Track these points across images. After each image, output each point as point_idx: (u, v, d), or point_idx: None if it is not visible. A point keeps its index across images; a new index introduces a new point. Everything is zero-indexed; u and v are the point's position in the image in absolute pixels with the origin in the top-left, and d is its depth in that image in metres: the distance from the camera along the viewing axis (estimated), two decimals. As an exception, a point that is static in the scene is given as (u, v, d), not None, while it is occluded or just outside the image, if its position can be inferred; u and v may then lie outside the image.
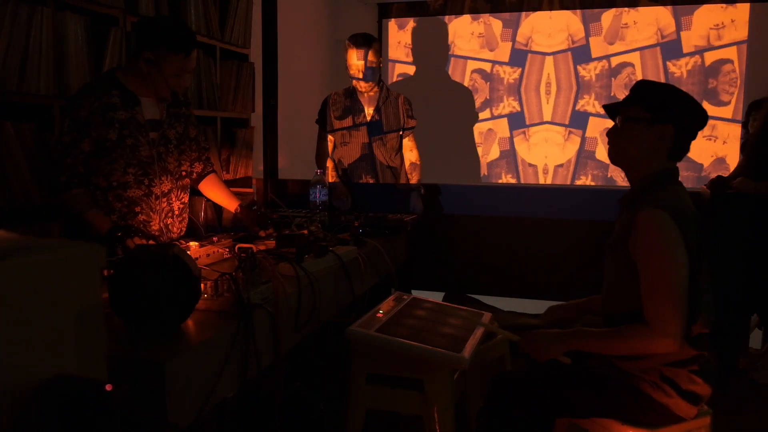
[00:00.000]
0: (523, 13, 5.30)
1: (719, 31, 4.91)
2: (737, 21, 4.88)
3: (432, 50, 5.58)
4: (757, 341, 3.32)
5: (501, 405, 1.72)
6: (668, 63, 5.03)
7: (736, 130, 4.91)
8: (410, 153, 3.45)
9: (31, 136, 2.26)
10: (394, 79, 5.66)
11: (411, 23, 5.59)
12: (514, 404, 1.70)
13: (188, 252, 1.73)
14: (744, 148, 3.68)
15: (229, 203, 2.45)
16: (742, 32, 4.88)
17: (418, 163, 3.46)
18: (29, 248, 0.70)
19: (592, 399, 1.65)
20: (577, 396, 1.66)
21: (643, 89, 1.68)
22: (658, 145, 1.64)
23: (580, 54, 5.21)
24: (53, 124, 2.35)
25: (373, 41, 3.27)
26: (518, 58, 5.36)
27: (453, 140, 5.49)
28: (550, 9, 5.24)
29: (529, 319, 2.07)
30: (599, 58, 5.17)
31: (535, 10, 5.27)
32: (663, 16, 5.02)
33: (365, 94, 3.35)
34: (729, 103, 4.98)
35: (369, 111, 3.35)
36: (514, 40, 5.36)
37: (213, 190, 2.46)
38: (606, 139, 1.77)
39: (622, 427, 1.63)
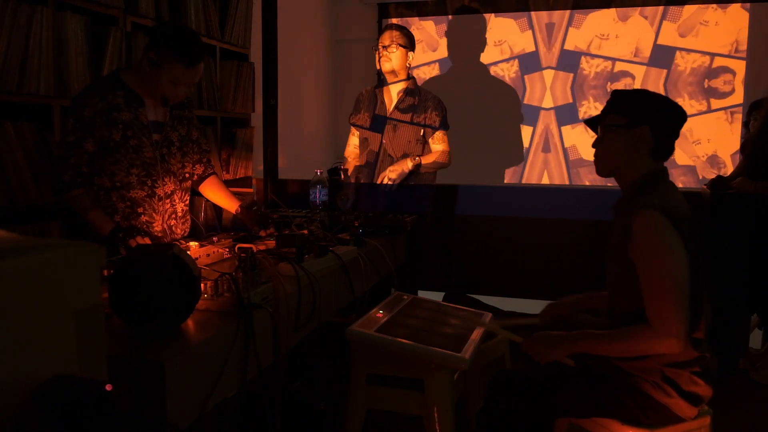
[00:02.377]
0: (529, 13, 5.29)
1: (717, 31, 4.91)
2: (737, 22, 4.87)
3: (433, 49, 5.58)
4: (757, 341, 3.31)
5: (501, 405, 1.72)
6: (677, 53, 5.01)
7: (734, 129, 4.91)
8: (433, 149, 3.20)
9: (31, 136, 2.26)
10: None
11: (415, 21, 5.58)
12: (514, 404, 1.70)
13: (188, 252, 1.73)
14: (744, 148, 3.68)
15: (229, 205, 2.45)
16: (741, 33, 4.88)
17: (436, 157, 3.16)
18: (29, 248, 0.70)
19: (592, 399, 1.65)
20: (577, 396, 1.66)
21: (617, 97, 1.74)
22: (638, 146, 1.67)
23: (582, 60, 5.21)
24: (53, 124, 2.35)
25: (394, 28, 3.17)
26: (519, 57, 5.36)
27: (459, 140, 5.47)
28: (548, 9, 5.24)
29: (529, 319, 2.07)
30: (601, 57, 5.17)
31: (537, 9, 5.27)
32: (652, 21, 5.02)
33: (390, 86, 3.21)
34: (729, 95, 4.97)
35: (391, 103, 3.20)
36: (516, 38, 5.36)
37: (214, 192, 2.46)
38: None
39: (622, 427, 1.63)
